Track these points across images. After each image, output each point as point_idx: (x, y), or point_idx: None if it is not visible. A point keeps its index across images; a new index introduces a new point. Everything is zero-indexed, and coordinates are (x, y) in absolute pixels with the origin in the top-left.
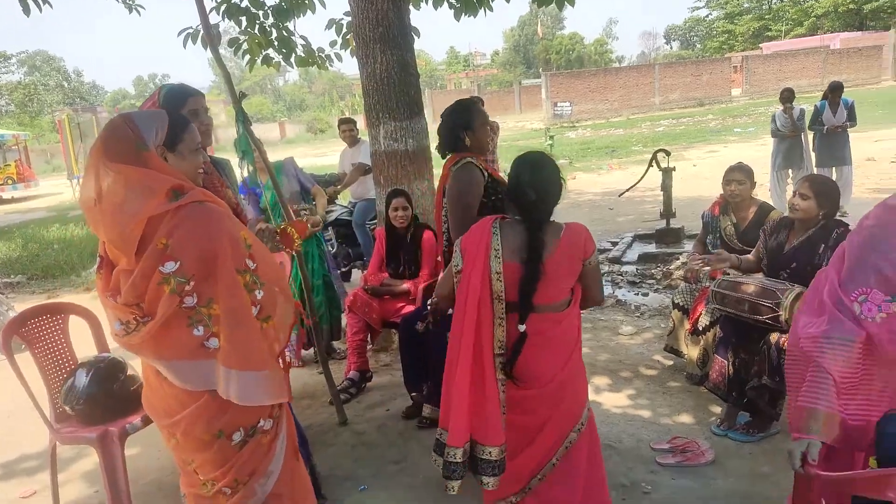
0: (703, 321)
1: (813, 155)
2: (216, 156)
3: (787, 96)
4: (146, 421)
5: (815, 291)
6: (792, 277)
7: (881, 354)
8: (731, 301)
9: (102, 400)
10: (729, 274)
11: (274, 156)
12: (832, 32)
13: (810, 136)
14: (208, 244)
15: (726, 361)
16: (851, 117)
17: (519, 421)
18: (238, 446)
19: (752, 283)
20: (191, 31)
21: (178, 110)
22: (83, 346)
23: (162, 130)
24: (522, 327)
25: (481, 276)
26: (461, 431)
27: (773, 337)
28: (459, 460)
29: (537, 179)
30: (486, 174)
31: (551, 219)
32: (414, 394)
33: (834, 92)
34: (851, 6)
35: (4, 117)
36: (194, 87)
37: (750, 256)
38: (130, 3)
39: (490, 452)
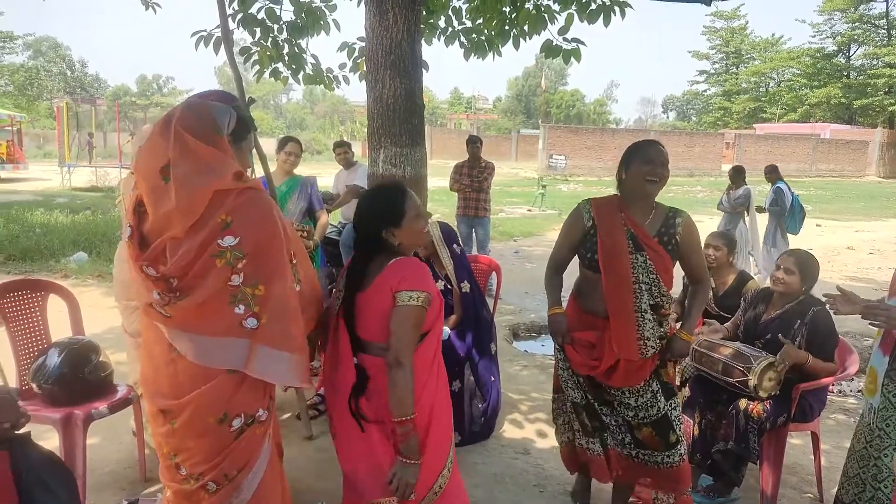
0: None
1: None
2: None
3: (734, 175)
4: (113, 408)
5: None
6: (766, 348)
7: None
8: (707, 361)
9: (71, 382)
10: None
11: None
12: (823, 122)
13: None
14: (266, 228)
15: (692, 422)
16: (775, 203)
17: None
18: (236, 433)
19: (730, 347)
20: (204, 33)
21: None
22: (58, 328)
23: (232, 123)
24: (354, 360)
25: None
26: None
27: (742, 403)
28: None
29: (359, 204)
30: None
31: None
32: None
33: (769, 174)
34: (843, 100)
35: (2, 97)
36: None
37: (729, 325)
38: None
39: None
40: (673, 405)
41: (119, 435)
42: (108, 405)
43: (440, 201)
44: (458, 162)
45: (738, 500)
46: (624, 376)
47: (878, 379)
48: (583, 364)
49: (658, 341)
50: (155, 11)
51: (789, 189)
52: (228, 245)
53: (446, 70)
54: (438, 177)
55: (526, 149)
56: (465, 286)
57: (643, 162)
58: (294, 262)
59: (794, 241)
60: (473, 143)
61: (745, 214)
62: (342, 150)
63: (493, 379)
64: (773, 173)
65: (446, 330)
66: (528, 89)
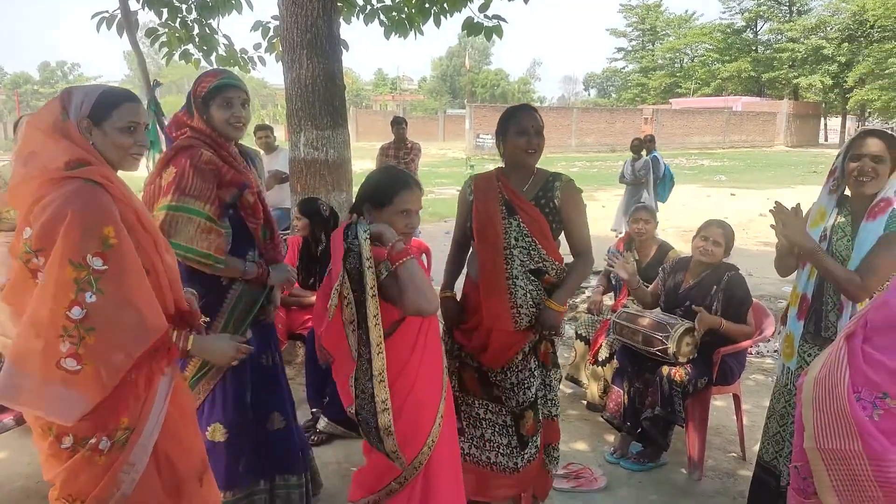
0: (603, 353)
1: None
2: (246, 145)
3: (636, 146)
4: (20, 420)
5: None
6: (686, 315)
7: None
8: (628, 332)
9: None
10: (629, 307)
11: None
12: (735, 95)
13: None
14: (55, 220)
15: (622, 391)
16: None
17: None
18: (67, 452)
19: (648, 317)
20: (106, 15)
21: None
22: None
23: (88, 104)
24: None
25: None
26: None
27: (665, 369)
28: None
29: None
30: None
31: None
32: (315, 409)
33: (648, 144)
34: (752, 73)
35: None
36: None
37: (648, 290)
38: None
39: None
40: (542, 392)
41: (29, 448)
42: (14, 417)
43: None
44: (383, 143)
45: (667, 464)
46: (494, 353)
47: (795, 343)
48: (467, 344)
49: (535, 310)
50: None
51: (662, 160)
52: (25, 237)
53: (369, 51)
54: (365, 159)
55: (453, 129)
56: None
57: (517, 133)
58: (99, 266)
59: (708, 209)
60: (398, 124)
61: (646, 185)
62: (263, 134)
63: None
64: (650, 143)
65: None
66: (452, 69)
